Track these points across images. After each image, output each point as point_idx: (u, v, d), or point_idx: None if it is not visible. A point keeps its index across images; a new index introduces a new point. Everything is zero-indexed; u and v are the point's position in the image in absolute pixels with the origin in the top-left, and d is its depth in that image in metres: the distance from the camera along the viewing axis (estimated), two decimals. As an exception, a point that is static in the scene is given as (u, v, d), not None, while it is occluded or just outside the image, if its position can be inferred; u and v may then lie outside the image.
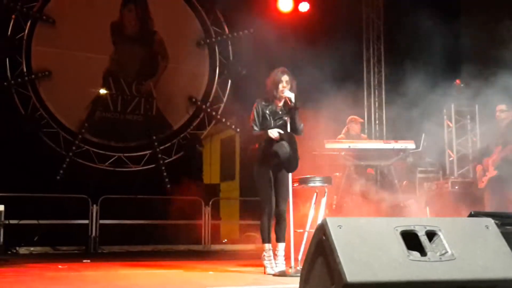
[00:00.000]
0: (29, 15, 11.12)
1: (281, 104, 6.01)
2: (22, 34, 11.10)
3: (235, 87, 12.31)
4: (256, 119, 5.98)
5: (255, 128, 5.96)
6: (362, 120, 9.59)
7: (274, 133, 5.77)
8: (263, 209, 5.91)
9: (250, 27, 12.30)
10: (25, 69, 11.06)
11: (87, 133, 11.45)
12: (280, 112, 5.98)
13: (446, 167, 11.27)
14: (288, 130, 5.85)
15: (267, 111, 5.98)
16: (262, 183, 5.93)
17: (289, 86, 5.94)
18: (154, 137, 11.96)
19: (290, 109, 5.88)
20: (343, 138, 8.51)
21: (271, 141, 5.81)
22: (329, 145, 7.59)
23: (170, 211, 10.59)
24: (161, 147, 12.01)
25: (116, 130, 11.76)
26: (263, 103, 6.03)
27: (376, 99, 13.27)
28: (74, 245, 10.39)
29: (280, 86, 5.94)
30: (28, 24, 11.15)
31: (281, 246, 5.90)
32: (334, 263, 2.72)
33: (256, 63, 10.73)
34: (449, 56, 11.35)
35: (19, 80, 10.90)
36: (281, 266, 5.84)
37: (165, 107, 12.21)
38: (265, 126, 5.94)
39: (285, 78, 5.97)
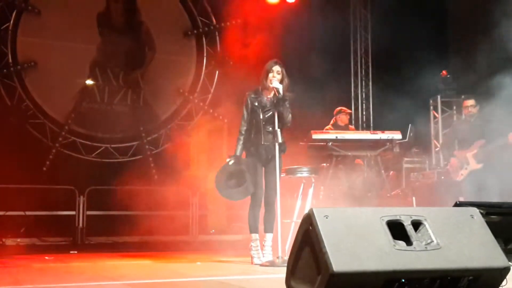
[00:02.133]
0: (14, 5, 11.01)
1: (270, 95, 6.03)
2: (8, 24, 10.98)
3: (222, 78, 12.26)
4: (245, 114, 6.03)
5: (243, 126, 6.03)
6: (350, 111, 9.60)
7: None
8: (253, 199, 5.93)
9: (238, 18, 12.26)
10: (10, 60, 10.96)
11: (74, 124, 11.37)
12: (268, 104, 5.99)
13: (432, 158, 11.33)
14: (276, 121, 5.84)
15: (256, 103, 6.00)
16: (252, 174, 5.94)
17: (279, 77, 5.95)
18: (141, 128, 11.91)
19: (277, 100, 5.89)
20: (330, 129, 8.53)
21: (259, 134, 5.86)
22: (316, 136, 7.59)
23: (157, 202, 10.56)
24: (148, 138, 11.95)
25: (103, 121, 11.67)
26: (253, 95, 6.06)
27: (364, 90, 13.30)
28: (61, 236, 10.34)
29: (270, 75, 5.95)
30: (14, 14, 11.03)
31: (269, 236, 5.93)
32: (320, 253, 2.73)
33: (243, 54, 10.72)
34: (436, 47, 11.41)
35: (5, 70, 10.79)
36: (268, 256, 5.86)
37: (152, 98, 12.14)
38: (253, 119, 5.97)
39: (276, 68, 5.98)
